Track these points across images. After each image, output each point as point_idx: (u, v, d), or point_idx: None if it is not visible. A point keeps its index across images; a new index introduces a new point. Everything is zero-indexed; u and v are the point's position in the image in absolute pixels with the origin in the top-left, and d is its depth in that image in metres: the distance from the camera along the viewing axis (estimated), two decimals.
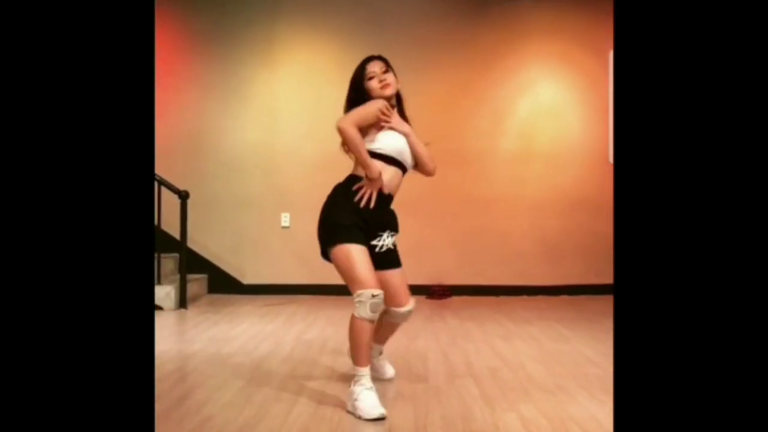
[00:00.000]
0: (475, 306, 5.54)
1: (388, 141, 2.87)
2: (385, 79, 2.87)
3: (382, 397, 2.80)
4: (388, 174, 2.85)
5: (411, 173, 3.09)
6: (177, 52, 6.23)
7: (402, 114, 3.01)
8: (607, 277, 6.13)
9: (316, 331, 4.36)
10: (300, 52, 6.31)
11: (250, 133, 6.27)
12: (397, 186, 2.94)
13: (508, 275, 6.25)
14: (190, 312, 5.17)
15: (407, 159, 2.93)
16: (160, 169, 5.17)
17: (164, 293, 5.21)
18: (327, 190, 6.55)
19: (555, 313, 5.16)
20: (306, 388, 2.98)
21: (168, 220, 5.45)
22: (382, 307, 2.64)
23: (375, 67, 2.90)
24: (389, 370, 3.14)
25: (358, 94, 2.92)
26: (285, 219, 6.24)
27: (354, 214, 2.77)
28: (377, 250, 2.84)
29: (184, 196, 5.38)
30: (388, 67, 2.92)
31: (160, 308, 5.17)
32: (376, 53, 3.04)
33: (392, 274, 2.88)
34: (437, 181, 6.27)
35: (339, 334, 4.11)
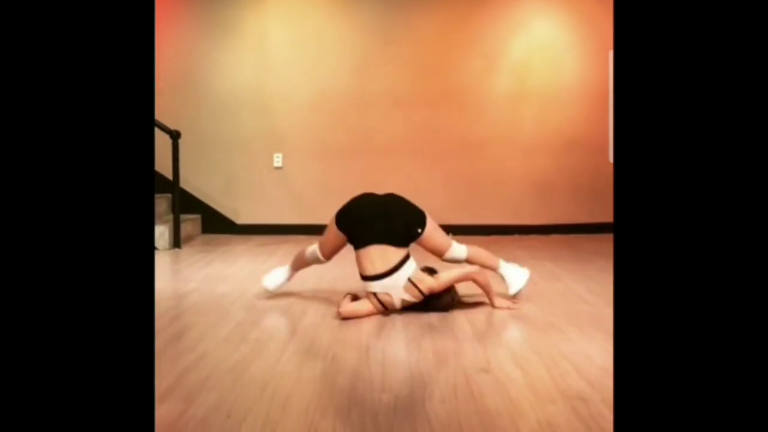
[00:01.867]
0: (468, 245, 5.56)
1: None
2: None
3: (376, 334, 2.85)
4: None
5: None
6: None
7: None
8: (599, 216, 6.16)
9: (311, 270, 4.37)
10: None
11: (241, 73, 6.17)
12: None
13: (501, 215, 6.27)
14: (184, 252, 5.19)
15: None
16: None
17: (158, 233, 5.21)
18: (319, 131, 6.52)
19: (547, 252, 5.20)
20: (300, 325, 3.01)
21: (160, 160, 5.40)
22: None
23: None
24: None
25: None
26: (277, 159, 6.21)
27: None
28: None
29: (175, 136, 5.34)
30: None
31: (154, 248, 5.19)
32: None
33: None
34: (430, 121, 6.25)
35: (333, 272, 4.14)
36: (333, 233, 3.40)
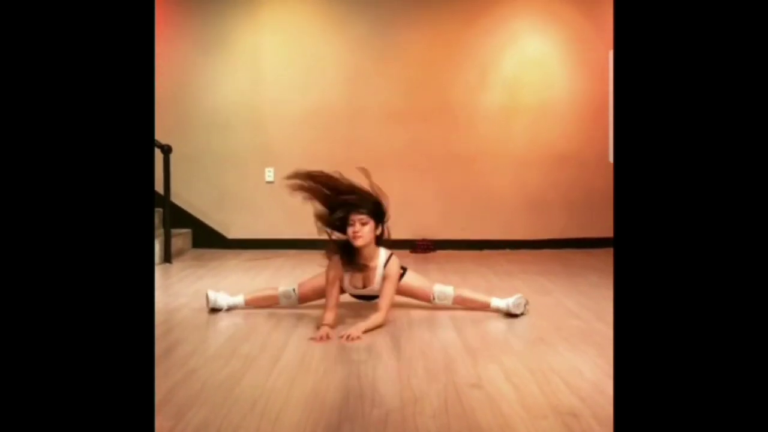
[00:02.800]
0: (459, 260, 5.57)
1: (348, 291, 3.48)
2: (358, 231, 3.21)
3: (367, 349, 2.84)
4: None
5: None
6: (158, 3, 6.09)
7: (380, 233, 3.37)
8: (590, 231, 6.18)
9: None
10: (285, 4, 6.20)
11: (233, 87, 6.18)
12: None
13: (492, 229, 6.28)
14: (175, 267, 5.17)
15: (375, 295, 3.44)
16: None
17: None
18: (311, 145, 6.51)
19: (538, 267, 5.21)
20: (291, 340, 3.00)
21: None
22: None
23: (356, 217, 3.22)
24: None
25: (340, 223, 3.28)
26: (269, 173, 6.21)
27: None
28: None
29: (166, 150, 5.33)
30: (368, 220, 3.25)
31: None
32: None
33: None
34: (423, 135, 6.27)
35: None
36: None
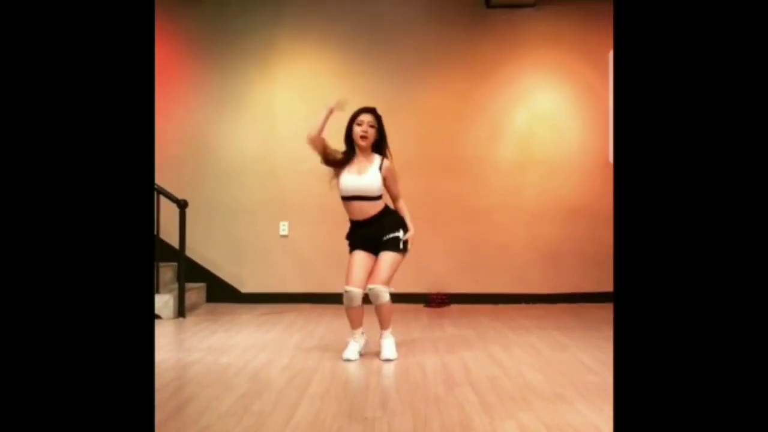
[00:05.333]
0: (473, 314, 5.53)
1: (345, 185, 3.84)
2: (365, 132, 3.85)
3: (382, 406, 2.81)
4: (354, 207, 3.88)
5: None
6: (174, 60, 6.24)
7: (382, 146, 3.93)
8: (606, 285, 6.13)
9: (316, 340, 4.35)
10: (298, 60, 6.32)
11: (248, 141, 6.27)
12: (369, 210, 3.87)
13: (507, 283, 6.25)
14: (189, 321, 5.16)
15: (368, 192, 3.83)
16: (158, 177, 5.17)
17: (162, 302, 5.20)
18: (325, 199, 6.54)
19: (554, 321, 5.16)
20: (305, 396, 2.97)
21: (166, 228, 5.44)
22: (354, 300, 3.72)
23: (365, 118, 3.88)
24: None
25: (348, 132, 3.93)
26: (283, 227, 6.24)
27: (352, 238, 3.95)
28: (384, 239, 3.85)
29: (182, 205, 5.38)
30: (375, 123, 3.87)
31: (158, 317, 5.16)
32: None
33: (380, 256, 3.81)
34: (436, 189, 6.30)
35: (338, 343, 4.11)
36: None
